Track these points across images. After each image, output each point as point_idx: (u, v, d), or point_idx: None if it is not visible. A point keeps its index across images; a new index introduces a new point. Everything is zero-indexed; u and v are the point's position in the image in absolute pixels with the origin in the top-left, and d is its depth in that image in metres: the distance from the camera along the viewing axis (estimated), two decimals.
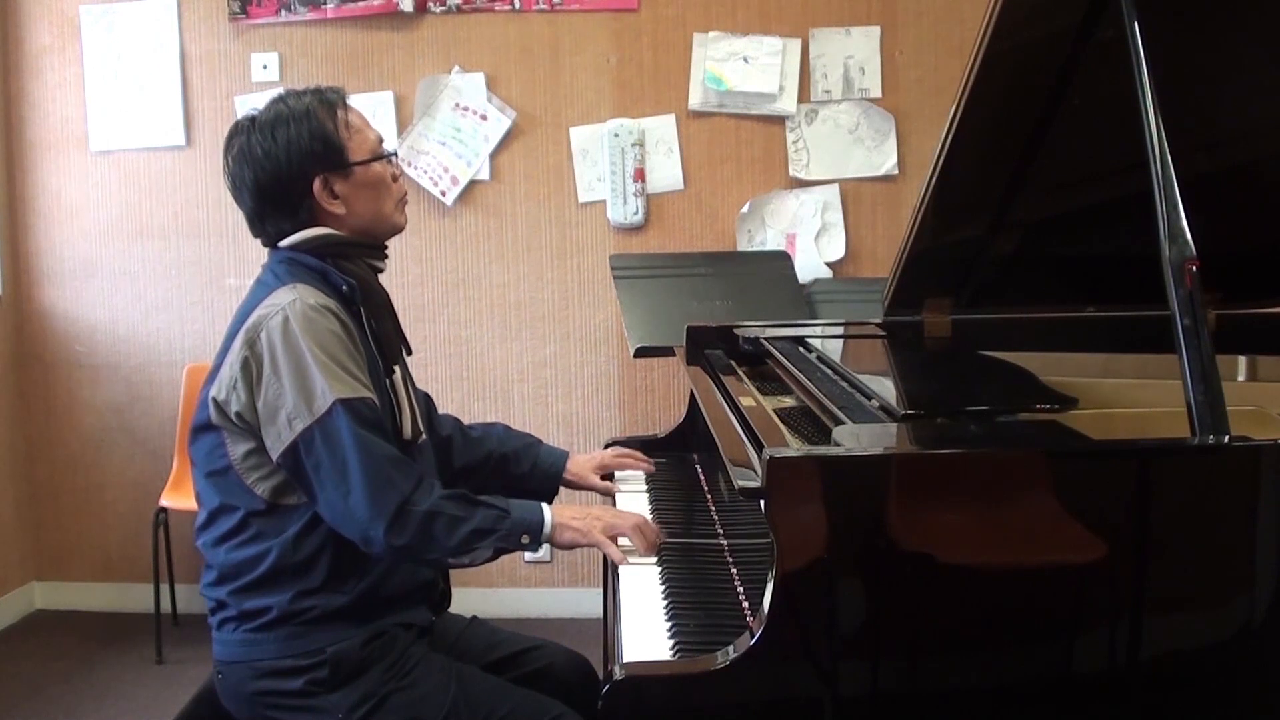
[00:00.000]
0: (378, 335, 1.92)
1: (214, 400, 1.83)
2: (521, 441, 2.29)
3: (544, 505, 1.87)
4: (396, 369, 1.96)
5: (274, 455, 1.80)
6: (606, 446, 2.47)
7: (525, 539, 1.82)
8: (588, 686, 1.98)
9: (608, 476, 2.39)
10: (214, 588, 1.89)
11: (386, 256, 2.01)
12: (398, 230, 1.99)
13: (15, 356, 4.06)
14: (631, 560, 1.85)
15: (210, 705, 1.93)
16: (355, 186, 1.91)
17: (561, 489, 2.32)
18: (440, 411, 2.27)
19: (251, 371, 1.80)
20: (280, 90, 1.95)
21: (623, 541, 1.88)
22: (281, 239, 1.92)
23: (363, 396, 1.79)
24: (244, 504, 1.84)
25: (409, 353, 2.05)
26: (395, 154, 1.98)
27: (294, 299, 1.81)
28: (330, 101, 1.92)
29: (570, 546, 1.88)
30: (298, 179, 1.87)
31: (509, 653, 2.06)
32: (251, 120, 1.91)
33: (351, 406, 1.77)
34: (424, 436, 2.01)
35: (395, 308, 2.02)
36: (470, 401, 3.91)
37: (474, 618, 2.13)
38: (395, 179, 1.97)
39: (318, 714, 1.81)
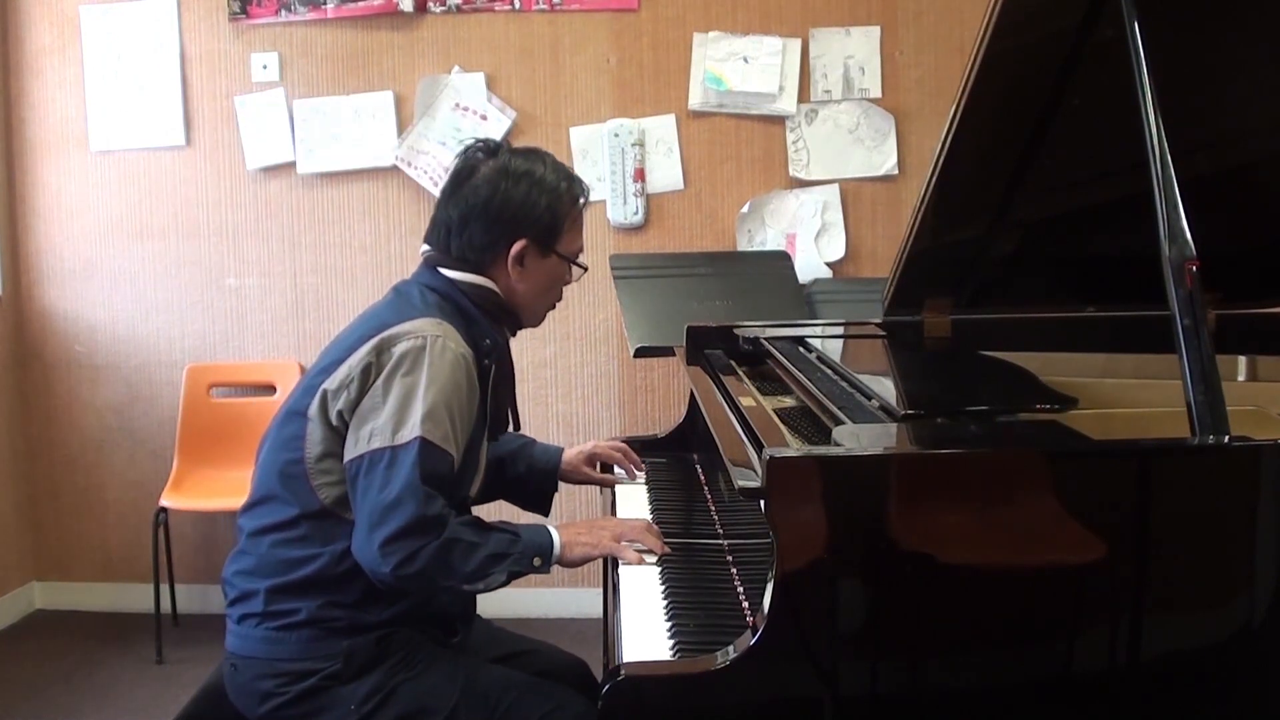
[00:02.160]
0: (496, 400, 1.96)
1: (325, 391, 1.85)
2: (514, 444, 2.30)
3: (550, 527, 1.87)
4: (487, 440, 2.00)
5: (346, 458, 1.82)
6: None
7: (537, 561, 1.83)
8: (587, 690, 1.98)
9: (605, 468, 2.40)
10: (247, 577, 1.89)
11: (515, 335, 2.05)
12: (533, 325, 2.06)
13: (15, 356, 4.06)
14: (647, 560, 1.85)
15: (214, 702, 1.93)
16: (541, 269, 1.97)
17: (560, 494, 2.33)
18: None
19: (369, 378, 1.83)
20: (543, 149, 2.03)
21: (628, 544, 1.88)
22: (454, 264, 1.95)
23: (445, 450, 1.80)
24: (300, 503, 1.85)
25: (516, 427, 2.09)
26: (586, 268, 2.05)
27: (439, 335, 1.84)
28: (576, 195, 1.99)
29: (583, 562, 1.88)
30: (510, 230, 1.93)
31: (507, 652, 2.07)
32: (507, 153, 1.97)
33: (428, 451, 1.77)
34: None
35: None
36: None
37: (475, 616, 2.13)
38: (564, 285, 2.04)
39: (329, 706, 1.82)
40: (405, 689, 1.82)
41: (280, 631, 1.84)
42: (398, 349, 1.82)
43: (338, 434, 1.84)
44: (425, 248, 2.00)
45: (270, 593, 1.85)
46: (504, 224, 1.93)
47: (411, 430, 1.77)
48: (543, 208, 1.94)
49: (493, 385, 1.95)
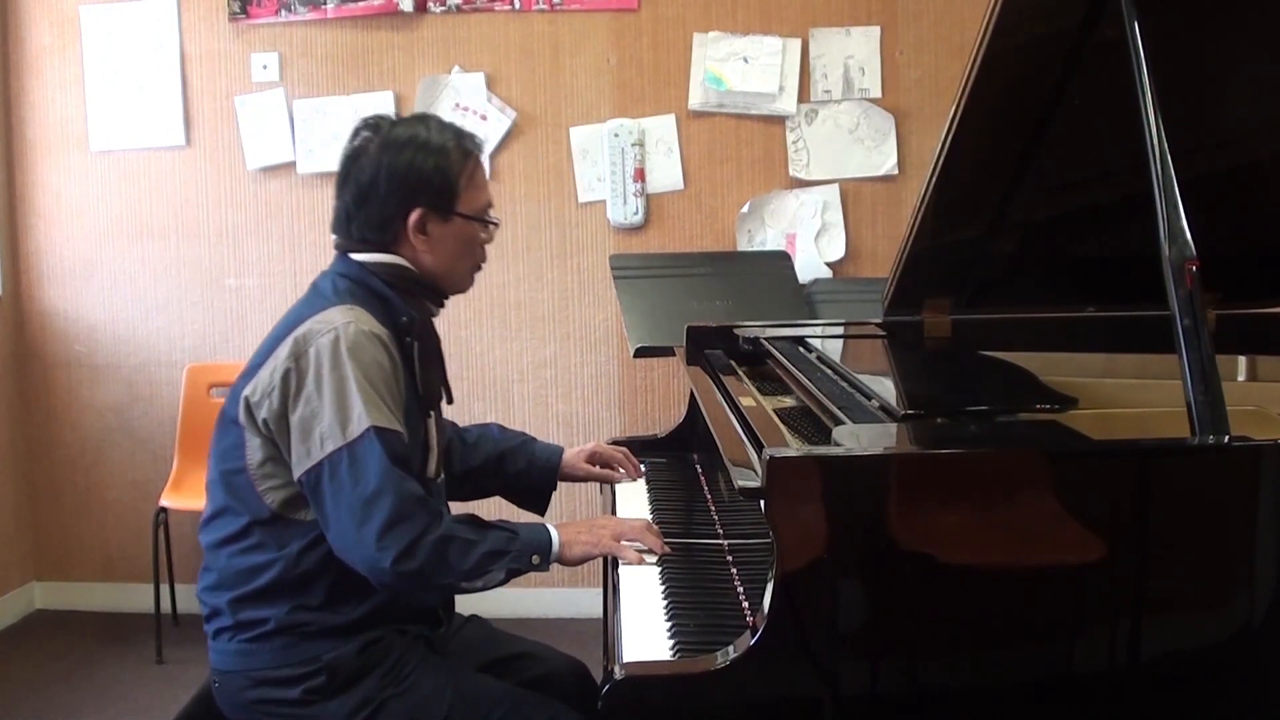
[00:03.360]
0: (424, 376, 1.92)
1: (245, 399, 1.83)
2: (516, 440, 2.29)
3: (548, 525, 1.86)
4: (432, 413, 1.97)
5: (297, 472, 1.79)
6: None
7: (536, 559, 1.81)
8: (585, 692, 1.98)
9: (606, 466, 2.39)
10: (212, 592, 1.88)
11: (443, 306, 2.02)
12: (461, 291, 2.00)
13: (15, 356, 4.06)
14: (647, 560, 1.85)
15: (210, 706, 1.92)
16: (447, 234, 1.91)
17: (557, 494, 2.33)
18: None
19: (291, 384, 1.79)
20: (428, 113, 1.97)
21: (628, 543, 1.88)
22: (359, 247, 1.91)
23: (396, 430, 1.79)
24: (250, 510, 1.84)
25: (449, 401, 2.06)
26: (497, 223, 1.99)
27: (349, 321, 1.81)
28: (466, 150, 1.92)
29: (582, 561, 1.87)
30: (402, 201, 1.88)
31: (506, 655, 2.06)
32: (389, 125, 1.91)
33: (385, 436, 1.76)
34: (442, 476, 2.02)
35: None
36: (470, 401, 3.91)
37: (473, 616, 2.13)
38: (484, 244, 1.98)
39: None
40: (394, 704, 1.80)
41: (253, 643, 1.83)
42: (313, 349, 1.79)
43: (269, 440, 1.82)
44: (334, 237, 1.96)
45: (234, 604, 1.84)
46: (395, 196, 1.87)
47: (360, 422, 1.75)
48: (430, 170, 1.87)
49: (419, 361, 1.91)
